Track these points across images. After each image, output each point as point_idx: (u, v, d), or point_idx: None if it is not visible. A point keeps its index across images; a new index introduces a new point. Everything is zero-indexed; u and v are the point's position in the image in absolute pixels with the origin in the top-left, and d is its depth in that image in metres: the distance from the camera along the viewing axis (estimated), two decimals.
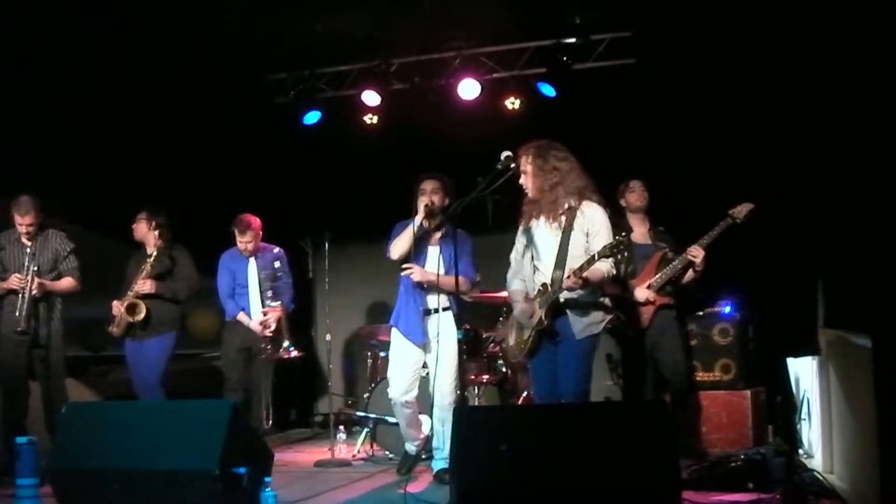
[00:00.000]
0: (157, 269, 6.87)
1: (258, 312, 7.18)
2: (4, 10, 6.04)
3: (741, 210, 6.16)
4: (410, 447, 6.31)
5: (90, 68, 7.05)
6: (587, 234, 4.97)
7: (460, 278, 5.79)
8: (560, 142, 5.16)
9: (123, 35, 6.93)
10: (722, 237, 6.22)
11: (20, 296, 6.24)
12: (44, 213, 6.43)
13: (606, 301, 5.05)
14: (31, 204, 6.34)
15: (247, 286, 7.26)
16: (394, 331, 6.18)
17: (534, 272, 5.11)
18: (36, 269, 6.30)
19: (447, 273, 5.87)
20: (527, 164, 5.06)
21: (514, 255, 5.28)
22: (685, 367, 6.50)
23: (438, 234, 6.07)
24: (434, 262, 6.03)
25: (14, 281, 6.25)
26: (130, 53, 7.17)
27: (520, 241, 5.23)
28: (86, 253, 6.70)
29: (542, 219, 5.05)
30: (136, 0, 6.57)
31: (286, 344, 6.97)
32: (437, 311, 6.05)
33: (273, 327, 7.07)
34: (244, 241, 7.20)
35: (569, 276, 4.79)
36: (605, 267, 4.85)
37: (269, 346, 7.07)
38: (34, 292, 6.27)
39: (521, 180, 5.09)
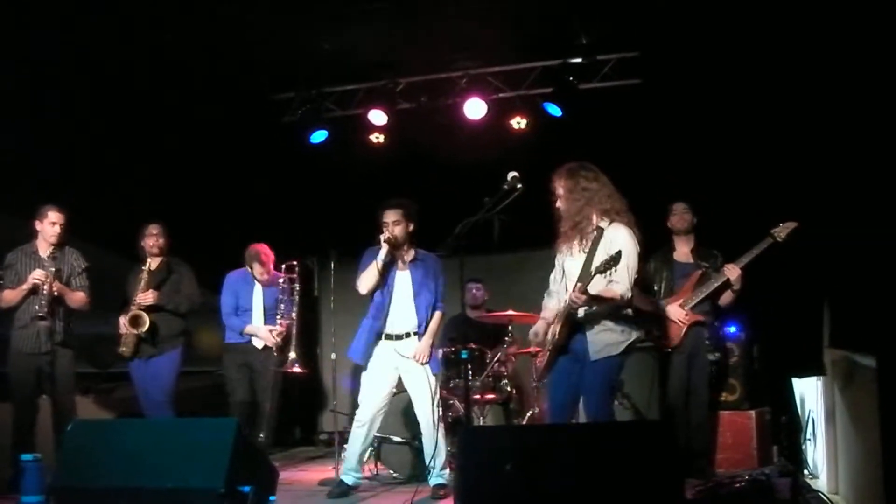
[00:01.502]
0: (156, 280, 6.88)
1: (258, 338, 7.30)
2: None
3: (783, 229, 6.16)
4: (350, 479, 6.19)
5: (96, 83, 7.10)
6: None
7: (437, 314, 6.13)
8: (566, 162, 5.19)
9: (130, 54, 6.99)
10: (763, 256, 6.24)
11: (40, 292, 6.24)
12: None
13: (629, 323, 5.02)
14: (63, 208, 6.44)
15: (250, 309, 7.35)
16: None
17: (565, 292, 5.12)
18: (54, 270, 6.32)
19: (417, 296, 6.04)
20: (559, 188, 5.10)
21: (552, 276, 5.30)
22: (708, 390, 6.52)
23: (409, 257, 6.14)
24: (404, 288, 6.11)
25: (37, 273, 6.25)
26: (137, 71, 7.22)
27: (557, 262, 5.25)
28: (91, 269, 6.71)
29: (574, 240, 5.07)
30: (144, 19, 6.62)
31: (292, 356, 7.00)
32: (408, 335, 6.12)
33: (280, 340, 7.14)
34: (263, 273, 7.34)
35: (573, 291, 4.82)
36: (619, 289, 4.87)
37: (276, 352, 7.15)
38: (54, 291, 6.28)
39: (557, 204, 5.12)
